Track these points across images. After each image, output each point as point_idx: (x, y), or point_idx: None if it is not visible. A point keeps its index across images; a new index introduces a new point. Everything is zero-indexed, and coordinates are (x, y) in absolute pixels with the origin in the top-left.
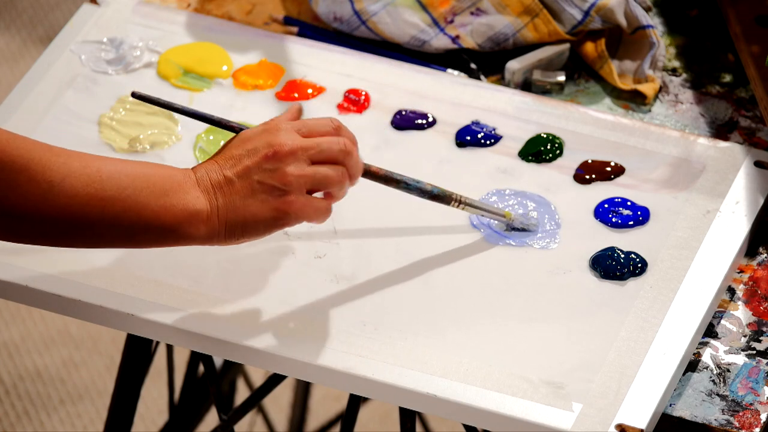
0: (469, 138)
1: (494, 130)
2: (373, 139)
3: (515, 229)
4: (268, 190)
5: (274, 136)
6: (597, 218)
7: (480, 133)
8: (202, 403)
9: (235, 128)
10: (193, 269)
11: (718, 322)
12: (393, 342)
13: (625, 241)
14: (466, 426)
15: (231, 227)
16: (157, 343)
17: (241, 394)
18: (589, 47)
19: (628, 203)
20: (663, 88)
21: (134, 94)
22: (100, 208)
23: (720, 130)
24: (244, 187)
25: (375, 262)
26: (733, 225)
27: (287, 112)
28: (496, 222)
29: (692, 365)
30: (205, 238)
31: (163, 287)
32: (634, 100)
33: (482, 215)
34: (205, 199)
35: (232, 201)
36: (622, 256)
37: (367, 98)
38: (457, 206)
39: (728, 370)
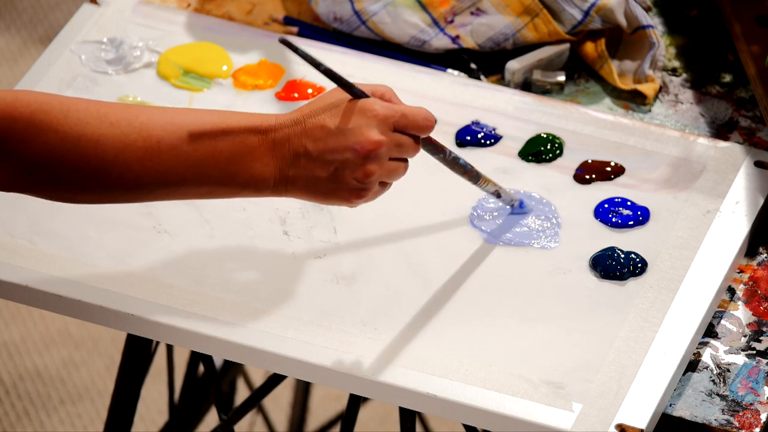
0: (469, 138)
1: (494, 130)
2: None
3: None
4: (347, 182)
5: (368, 128)
6: (597, 218)
7: (480, 133)
8: (202, 403)
9: (360, 95)
10: (193, 269)
11: (718, 322)
12: (393, 342)
13: (625, 241)
14: (466, 426)
15: (295, 195)
16: (157, 343)
17: (241, 394)
18: (589, 47)
19: (628, 203)
20: (663, 88)
21: (282, 40)
22: (156, 180)
23: (720, 130)
24: (322, 168)
25: (375, 262)
26: (733, 225)
27: (385, 95)
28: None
29: (692, 365)
30: (269, 195)
31: (163, 287)
32: (634, 100)
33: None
34: (275, 167)
35: (305, 176)
36: (622, 256)
37: None
38: (485, 184)
39: (728, 370)
